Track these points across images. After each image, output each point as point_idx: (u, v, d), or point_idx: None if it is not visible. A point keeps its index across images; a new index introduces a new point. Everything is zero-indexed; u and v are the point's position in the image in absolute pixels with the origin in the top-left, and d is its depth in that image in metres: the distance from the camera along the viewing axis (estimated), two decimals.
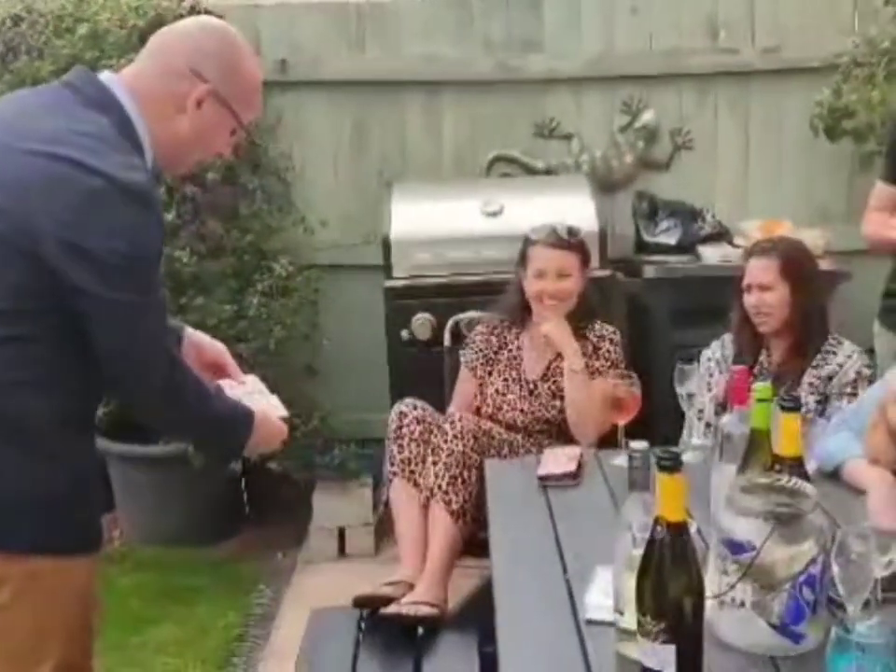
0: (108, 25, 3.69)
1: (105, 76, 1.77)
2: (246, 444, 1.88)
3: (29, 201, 1.61)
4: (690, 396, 2.59)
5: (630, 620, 1.48)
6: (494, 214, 3.64)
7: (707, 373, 2.92)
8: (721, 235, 3.92)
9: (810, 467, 1.95)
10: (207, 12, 3.43)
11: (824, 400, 2.81)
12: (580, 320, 3.06)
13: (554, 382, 3.05)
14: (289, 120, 4.02)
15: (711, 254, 3.82)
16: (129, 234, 1.62)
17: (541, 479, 2.45)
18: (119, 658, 3.06)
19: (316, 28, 4.04)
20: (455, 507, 2.77)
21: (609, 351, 3.05)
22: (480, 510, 2.60)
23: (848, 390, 2.78)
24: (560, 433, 3.02)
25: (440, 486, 2.79)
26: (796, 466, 1.75)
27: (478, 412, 3.10)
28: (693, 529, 1.49)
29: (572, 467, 2.47)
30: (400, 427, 2.96)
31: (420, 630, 2.55)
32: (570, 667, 1.65)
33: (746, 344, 2.93)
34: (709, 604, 1.49)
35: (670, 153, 4.12)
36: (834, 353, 2.85)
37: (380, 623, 2.56)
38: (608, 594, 1.65)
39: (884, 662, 1.41)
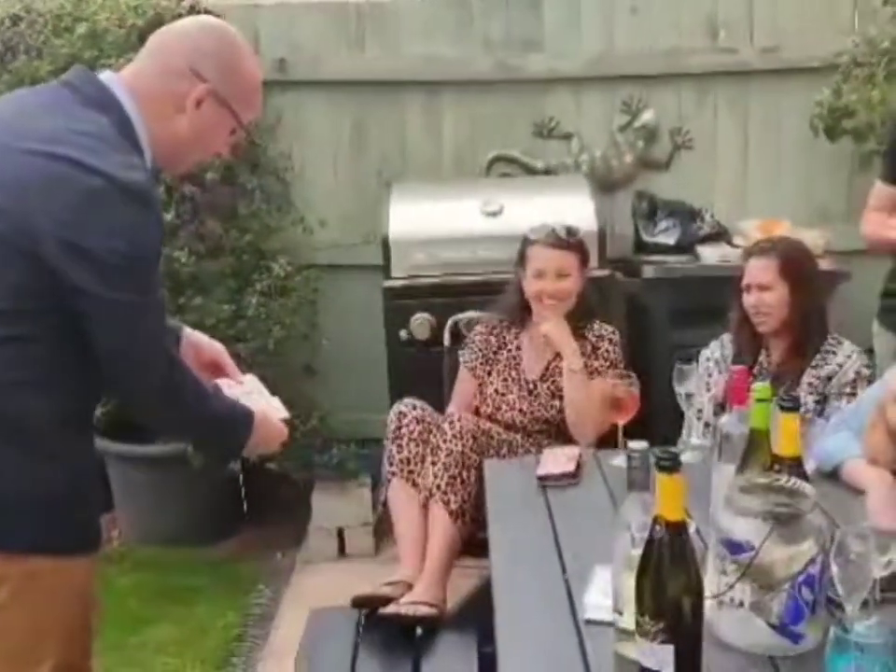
0: (107, 25, 3.69)
1: (104, 75, 1.77)
2: (246, 445, 1.88)
3: (28, 200, 1.61)
4: (689, 396, 2.58)
5: (629, 620, 1.48)
6: (493, 214, 3.64)
7: (706, 373, 2.93)
8: (721, 235, 3.92)
9: (809, 467, 1.95)
10: (207, 11, 3.43)
11: (823, 400, 2.81)
12: (579, 320, 3.06)
13: (553, 382, 3.06)
14: (289, 120, 4.02)
15: (710, 254, 3.82)
16: (128, 234, 1.62)
17: (540, 479, 2.45)
18: (118, 658, 3.06)
19: (316, 28, 4.04)
20: (454, 507, 2.77)
21: (608, 351, 3.05)
22: (479, 510, 2.60)
23: (847, 390, 2.79)
24: (559, 433, 3.02)
25: (439, 486, 2.79)
26: (795, 466, 1.75)
27: (477, 412, 3.10)
28: (691, 529, 1.49)
29: (571, 467, 2.47)
30: (399, 427, 2.96)
31: (419, 630, 2.55)
32: (569, 667, 1.65)
33: (745, 344, 2.93)
34: (708, 604, 1.49)
35: (670, 153, 4.12)
36: (834, 353, 2.85)
37: (379, 623, 2.56)
38: (606, 593, 1.65)
39: (883, 661, 1.41)
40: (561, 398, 3.02)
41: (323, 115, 4.10)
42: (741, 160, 4.13)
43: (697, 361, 2.79)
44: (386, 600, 2.60)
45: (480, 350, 3.15)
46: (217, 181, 3.66)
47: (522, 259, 3.09)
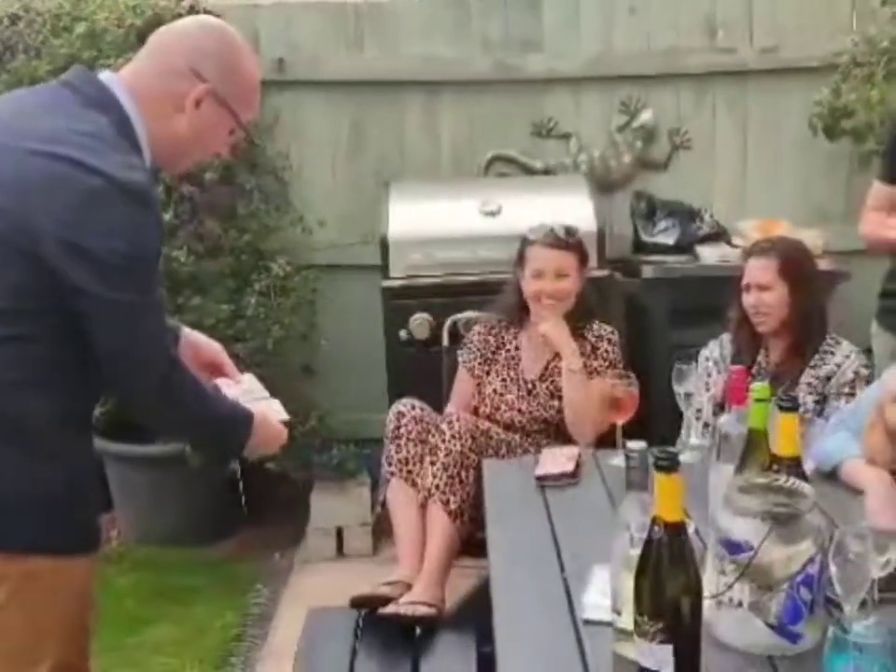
0: (106, 24, 3.69)
1: (104, 75, 1.77)
2: (245, 445, 1.88)
3: (28, 200, 1.61)
4: (688, 396, 2.58)
5: (627, 620, 1.48)
6: (492, 214, 3.64)
7: (705, 373, 2.93)
8: (720, 235, 3.92)
9: (808, 467, 1.95)
10: (206, 11, 3.43)
11: (822, 400, 2.81)
12: (578, 320, 3.06)
13: (552, 382, 3.06)
14: (287, 120, 4.02)
15: (709, 254, 3.82)
16: (128, 234, 1.62)
17: (539, 479, 2.44)
18: (117, 658, 3.05)
19: (315, 27, 4.04)
20: (452, 507, 2.77)
21: (607, 351, 3.05)
22: (477, 510, 2.60)
23: (846, 390, 2.79)
24: (558, 433, 3.02)
25: (437, 486, 2.79)
26: (794, 466, 1.75)
27: (476, 411, 3.10)
28: (690, 529, 1.49)
29: (570, 467, 2.47)
30: (398, 427, 2.95)
31: (418, 630, 2.54)
32: (568, 667, 1.64)
33: (744, 344, 2.93)
34: (707, 604, 1.49)
35: (668, 153, 4.12)
36: (833, 353, 2.85)
37: (378, 623, 2.56)
38: (605, 593, 1.65)
39: (881, 662, 1.41)
40: (560, 398, 3.02)
41: (321, 115, 4.10)
42: (740, 160, 4.13)
43: (696, 361, 2.79)
44: (385, 600, 2.60)
45: (478, 350, 3.15)
46: (216, 181, 3.66)
47: (520, 259, 3.09)
